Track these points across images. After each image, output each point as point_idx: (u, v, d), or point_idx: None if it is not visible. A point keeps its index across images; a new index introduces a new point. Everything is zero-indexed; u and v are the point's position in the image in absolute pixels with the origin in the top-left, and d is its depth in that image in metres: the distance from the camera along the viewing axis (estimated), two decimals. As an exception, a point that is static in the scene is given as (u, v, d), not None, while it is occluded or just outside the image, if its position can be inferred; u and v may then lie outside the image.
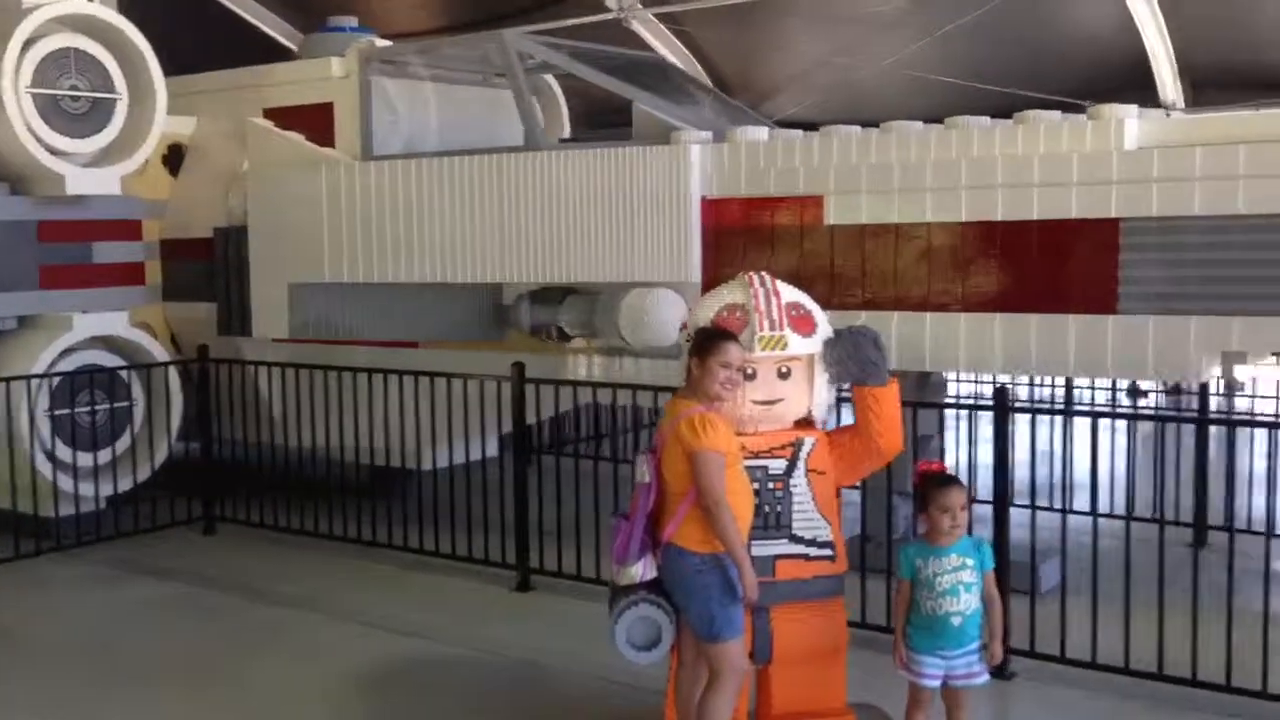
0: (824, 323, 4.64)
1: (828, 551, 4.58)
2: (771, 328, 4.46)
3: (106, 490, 8.34)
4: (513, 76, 7.41)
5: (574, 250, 6.98)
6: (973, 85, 13.29)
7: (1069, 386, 11.38)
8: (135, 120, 8.27)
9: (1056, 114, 6.07)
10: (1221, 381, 7.63)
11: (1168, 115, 13.25)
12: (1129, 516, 5.73)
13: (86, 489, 8.16)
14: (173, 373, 8.57)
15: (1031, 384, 12.10)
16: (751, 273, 4.64)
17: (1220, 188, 5.35)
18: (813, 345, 4.56)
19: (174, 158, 9.06)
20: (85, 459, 8.17)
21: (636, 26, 14.80)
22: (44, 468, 7.95)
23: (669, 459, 4.29)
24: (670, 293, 6.73)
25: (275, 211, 8.16)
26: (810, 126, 7.06)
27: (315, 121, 8.32)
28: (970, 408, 6.24)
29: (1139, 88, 13.18)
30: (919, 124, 6.45)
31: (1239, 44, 12.80)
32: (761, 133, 6.72)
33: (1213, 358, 5.50)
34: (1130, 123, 5.66)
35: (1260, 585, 5.21)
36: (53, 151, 7.96)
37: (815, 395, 4.59)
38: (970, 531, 4.44)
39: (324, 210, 7.86)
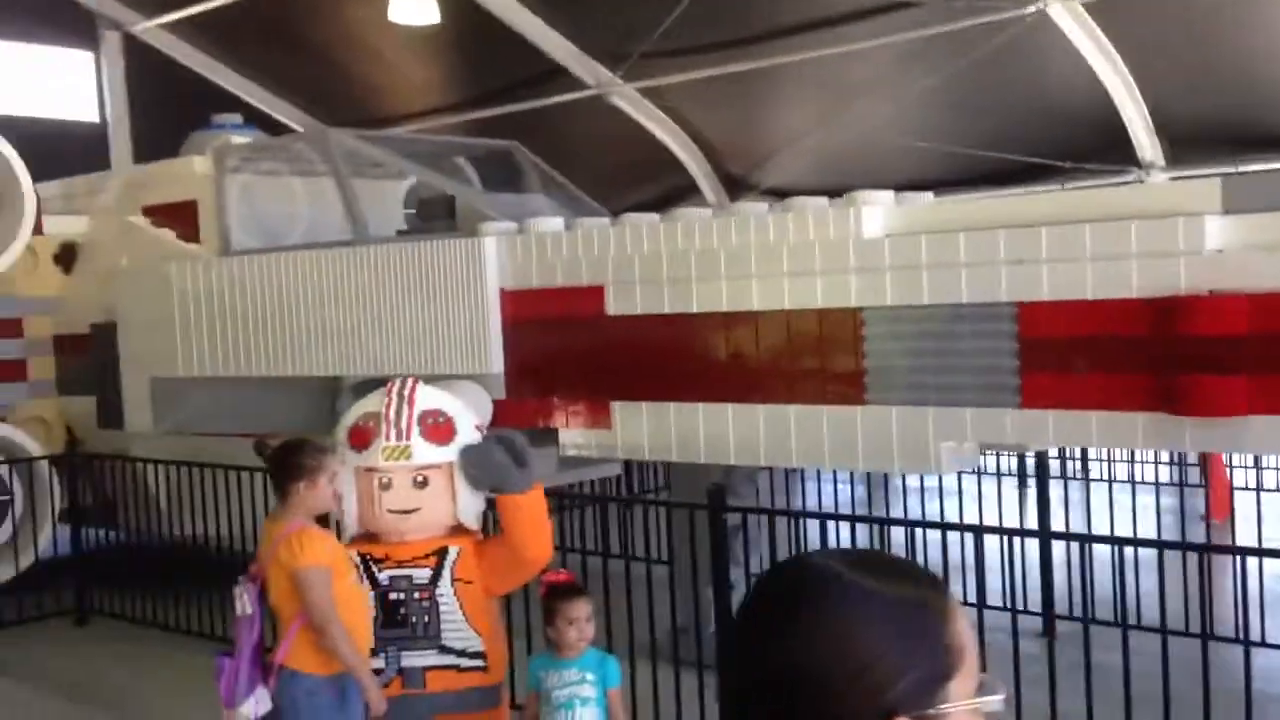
0: (466, 430, 4.55)
1: (479, 662, 4.43)
2: (397, 438, 4.38)
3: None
4: (334, 171, 7.52)
5: (385, 342, 7.00)
6: (954, 150, 13.06)
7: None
8: (3, 225, 8.59)
9: (823, 200, 5.90)
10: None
11: (1145, 178, 12.79)
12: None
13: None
14: (46, 467, 8.76)
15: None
16: (395, 380, 4.59)
17: (945, 276, 5.13)
18: (448, 454, 4.47)
19: (68, 255, 9.38)
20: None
21: (618, 101, 14.93)
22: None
23: (273, 584, 4.22)
24: (471, 384, 6.67)
25: (140, 307, 8.36)
26: (808, 194, 6.89)
27: (184, 218, 8.53)
28: (684, 505, 6.03)
29: (1117, 147, 12.77)
30: (705, 211, 6.35)
31: (1217, 100, 12.27)
32: (556, 223, 6.68)
33: (953, 449, 5.24)
34: (869, 209, 5.46)
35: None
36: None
37: (459, 503, 4.49)
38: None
39: (175, 305, 8.03)
